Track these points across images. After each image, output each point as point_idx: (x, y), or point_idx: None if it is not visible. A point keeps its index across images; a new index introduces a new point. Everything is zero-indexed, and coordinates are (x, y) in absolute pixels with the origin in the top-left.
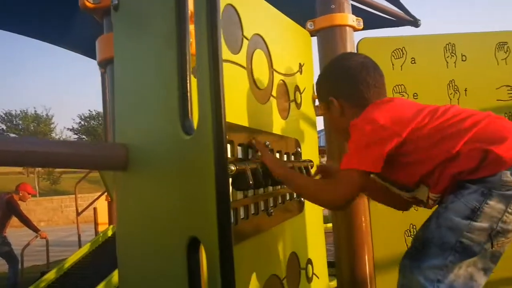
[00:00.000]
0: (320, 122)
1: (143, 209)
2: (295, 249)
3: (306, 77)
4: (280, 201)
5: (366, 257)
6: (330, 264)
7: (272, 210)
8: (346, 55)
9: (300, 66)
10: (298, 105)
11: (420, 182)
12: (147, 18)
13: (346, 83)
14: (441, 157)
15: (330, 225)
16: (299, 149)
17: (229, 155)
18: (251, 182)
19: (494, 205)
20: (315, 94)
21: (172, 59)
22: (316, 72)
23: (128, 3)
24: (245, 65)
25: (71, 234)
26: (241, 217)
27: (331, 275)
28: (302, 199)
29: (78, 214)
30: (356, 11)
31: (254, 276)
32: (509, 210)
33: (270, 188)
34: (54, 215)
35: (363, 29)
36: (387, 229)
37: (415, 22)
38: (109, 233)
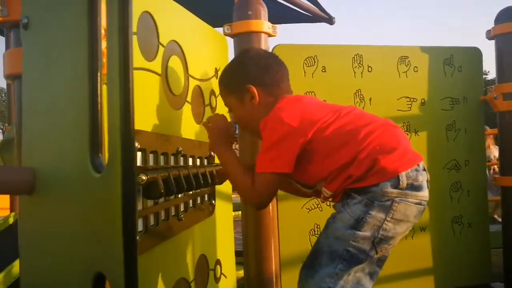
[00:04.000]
0: None
1: (46, 240)
2: (205, 251)
3: None
4: (191, 205)
5: (273, 253)
6: (239, 253)
7: (182, 216)
8: (255, 48)
9: (216, 70)
10: (213, 109)
11: (318, 182)
12: (58, 38)
13: (263, 70)
14: (339, 162)
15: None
16: (212, 153)
17: (139, 163)
18: (162, 191)
19: (375, 215)
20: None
21: (84, 87)
22: None
23: (39, 22)
24: (159, 71)
25: None
26: (151, 224)
27: (239, 263)
28: (214, 202)
29: None
30: (275, 4)
31: (161, 280)
32: (388, 219)
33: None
34: None
35: (281, 22)
36: (293, 227)
37: (330, 20)
38: (11, 220)
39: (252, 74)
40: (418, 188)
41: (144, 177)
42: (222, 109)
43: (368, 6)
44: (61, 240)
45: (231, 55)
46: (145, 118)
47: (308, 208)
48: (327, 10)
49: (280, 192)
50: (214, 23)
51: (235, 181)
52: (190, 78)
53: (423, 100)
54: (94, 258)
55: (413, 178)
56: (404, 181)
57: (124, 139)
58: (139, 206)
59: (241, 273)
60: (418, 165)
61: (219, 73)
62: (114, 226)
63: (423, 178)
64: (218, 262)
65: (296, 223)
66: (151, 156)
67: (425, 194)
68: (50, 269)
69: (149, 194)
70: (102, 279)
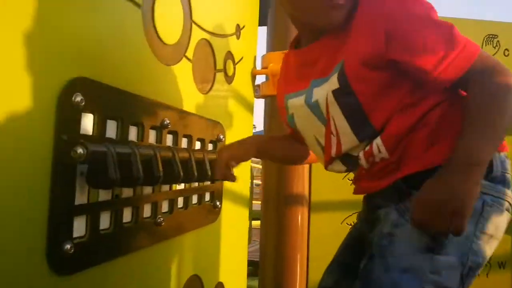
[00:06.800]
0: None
1: None
2: (198, 270)
3: (246, 44)
4: (181, 206)
5: (298, 279)
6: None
7: (162, 218)
8: None
9: (238, 28)
10: (229, 78)
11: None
12: None
13: None
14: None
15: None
16: (221, 136)
17: (88, 131)
18: (113, 177)
19: None
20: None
21: None
22: (261, 42)
23: None
24: (140, 1)
25: None
26: (103, 228)
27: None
28: (219, 204)
29: None
30: None
31: None
32: (477, 234)
33: (168, 186)
34: None
35: None
36: (328, 247)
37: None
38: None
39: None
40: (509, 183)
41: (81, 150)
42: (242, 79)
43: None
44: None
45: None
46: (110, 67)
47: (351, 224)
48: None
49: (314, 199)
50: None
51: None
52: (194, 26)
53: None
54: None
55: (506, 166)
56: (498, 167)
57: None
58: (82, 198)
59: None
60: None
61: (243, 33)
62: None
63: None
64: (220, 286)
65: (333, 242)
66: (110, 124)
67: None
68: None
69: (92, 179)
70: None
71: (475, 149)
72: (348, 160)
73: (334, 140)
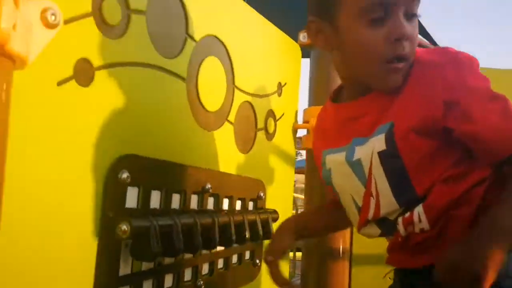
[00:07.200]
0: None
1: None
2: None
3: (288, 100)
4: (221, 267)
5: None
6: None
7: (202, 282)
8: None
9: (280, 86)
10: (270, 136)
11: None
12: None
13: None
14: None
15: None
16: (261, 194)
17: (133, 204)
18: (156, 249)
19: None
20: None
21: None
22: (303, 95)
23: None
24: (185, 75)
25: None
26: None
27: None
28: (259, 262)
29: None
30: None
31: None
32: None
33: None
34: None
35: None
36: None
37: None
38: None
39: None
40: None
41: (125, 227)
42: (282, 135)
43: None
44: None
45: (304, 72)
46: (155, 140)
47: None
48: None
49: (355, 252)
50: (285, 28)
51: None
52: (236, 91)
53: None
54: None
55: None
56: None
57: None
58: (126, 269)
59: None
60: None
61: (285, 89)
62: None
63: None
64: None
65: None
66: (156, 195)
67: None
68: None
69: (136, 252)
70: None
71: (506, 217)
72: (384, 224)
73: (372, 202)
